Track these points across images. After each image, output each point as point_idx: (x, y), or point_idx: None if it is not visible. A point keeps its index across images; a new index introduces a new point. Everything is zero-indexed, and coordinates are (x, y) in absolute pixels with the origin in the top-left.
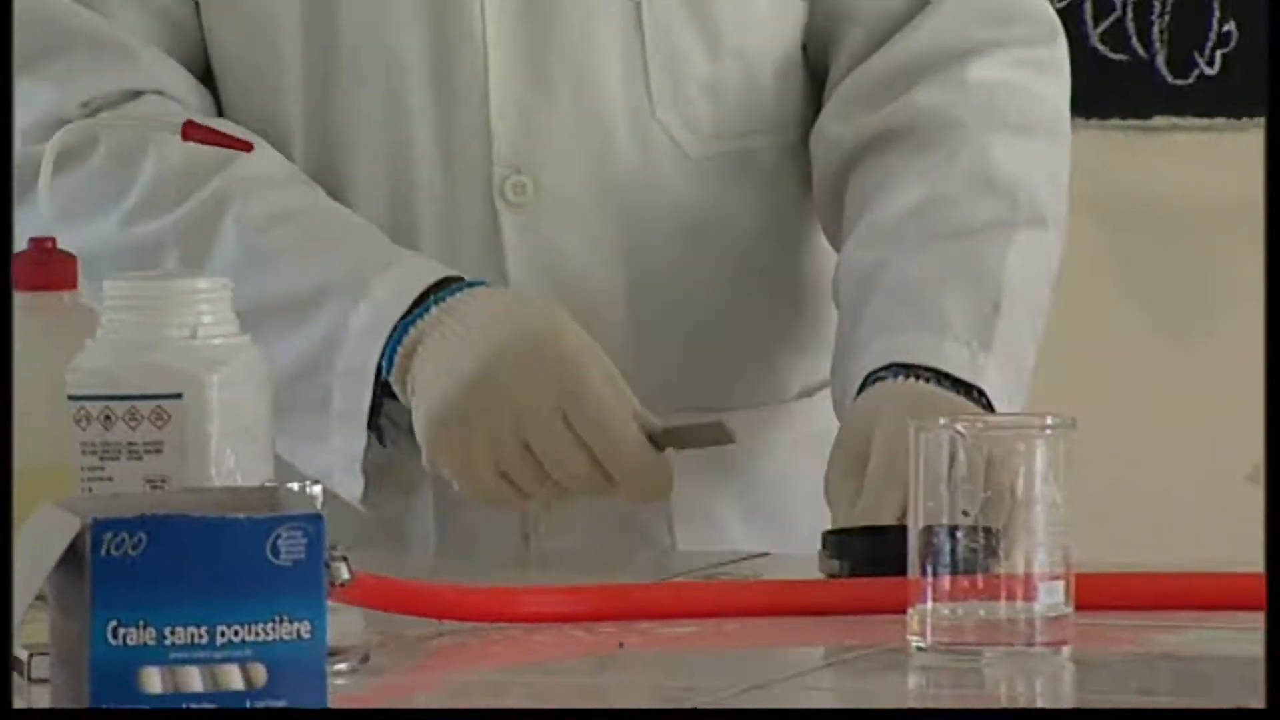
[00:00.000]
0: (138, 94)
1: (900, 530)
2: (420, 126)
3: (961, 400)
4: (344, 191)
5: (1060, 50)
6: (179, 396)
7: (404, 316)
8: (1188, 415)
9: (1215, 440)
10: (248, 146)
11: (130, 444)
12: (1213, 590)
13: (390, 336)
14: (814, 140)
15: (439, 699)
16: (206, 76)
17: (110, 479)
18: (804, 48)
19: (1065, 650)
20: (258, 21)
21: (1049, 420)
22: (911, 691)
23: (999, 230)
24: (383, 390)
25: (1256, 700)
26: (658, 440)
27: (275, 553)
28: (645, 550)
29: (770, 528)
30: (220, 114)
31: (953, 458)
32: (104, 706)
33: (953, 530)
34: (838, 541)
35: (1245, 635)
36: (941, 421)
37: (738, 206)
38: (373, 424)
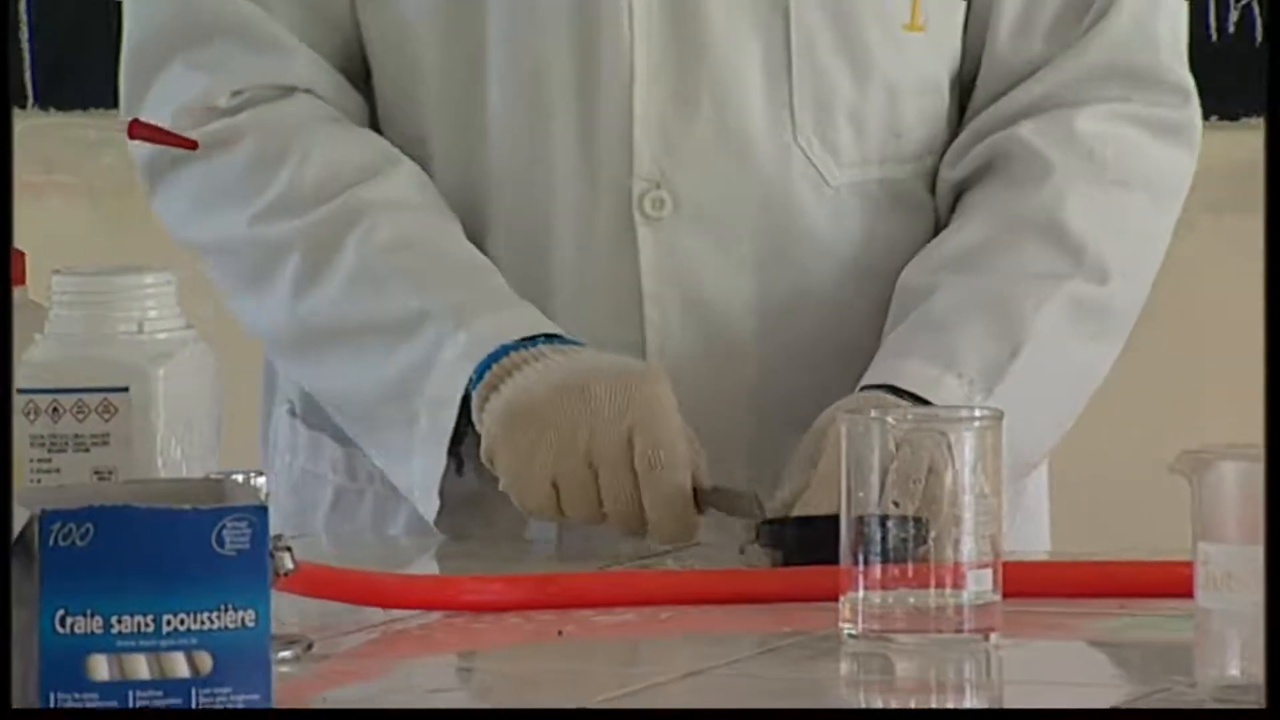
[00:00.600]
0: (290, 90)
1: (832, 520)
2: (562, 135)
3: None
4: (480, 200)
5: (1191, 116)
6: (125, 390)
7: (499, 349)
8: (1113, 406)
9: (1142, 431)
10: (192, 145)
11: (77, 436)
12: (1137, 578)
13: (481, 364)
14: (938, 180)
15: (383, 685)
16: (367, 78)
17: (58, 471)
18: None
19: (993, 637)
20: (402, 26)
21: (977, 412)
22: (844, 678)
23: (1049, 281)
24: (466, 419)
25: (1179, 683)
26: (701, 498)
27: (220, 543)
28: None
29: None
30: (373, 117)
31: (884, 449)
32: (53, 693)
33: (883, 520)
34: (772, 531)
35: (1169, 622)
36: (873, 414)
37: (876, 232)
38: (455, 451)
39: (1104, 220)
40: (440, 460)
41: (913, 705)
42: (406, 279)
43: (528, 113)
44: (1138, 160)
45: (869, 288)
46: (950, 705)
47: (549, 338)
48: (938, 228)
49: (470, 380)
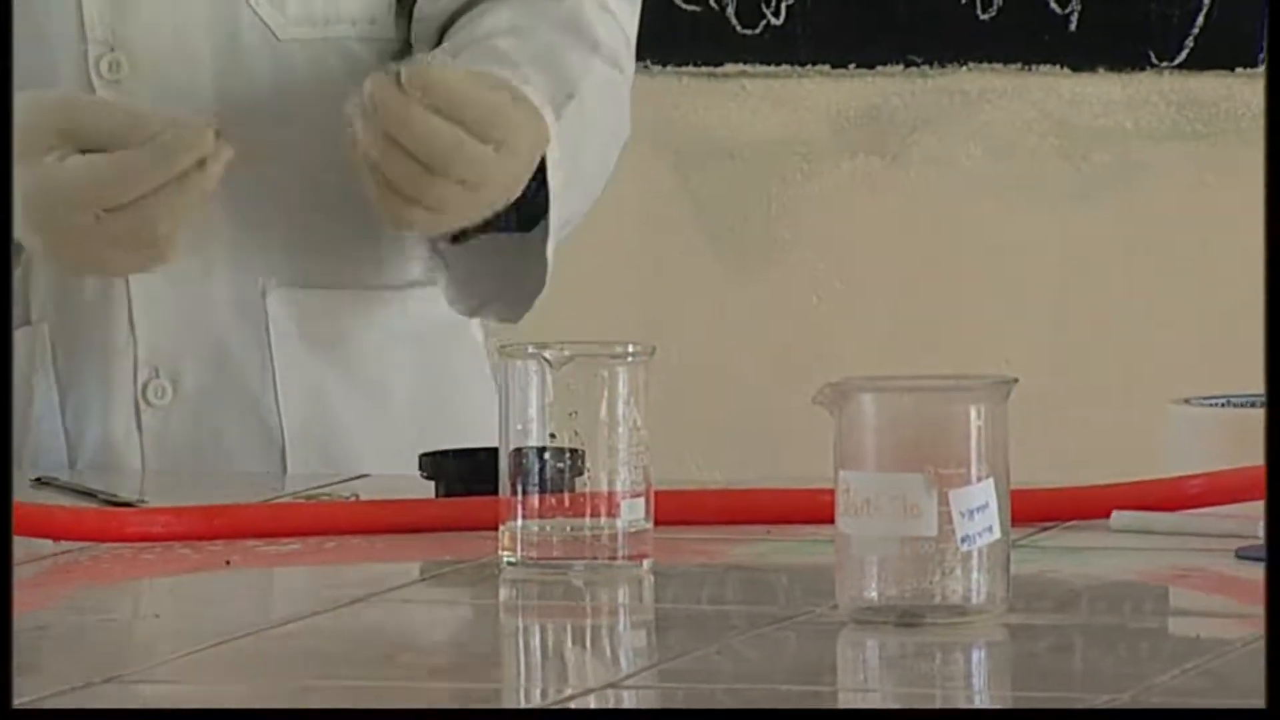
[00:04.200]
0: None
1: (492, 452)
2: (14, 8)
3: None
4: None
5: None
6: None
7: None
8: (755, 340)
9: (782, 364)
10: None
11: None
12: (779, 506)
13: None
14: (413, 25)
15: (55, 613)
16: None
17: None
18: None
19: (646, 563)
20: None
21: (630, 348)
22: (503, 603)
23: (582, 53)
24: None
25: (820, 605)
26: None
27: None
28: (255, 439)
29: (370, 399)
30: None
31: (540, 384)
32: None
33: (541, 452)
34: (433, 462)
35: (807, 547)
36: (529, 350)
37: (329, 93)
38: None
39: (607, 26)
40: None
41: (569, 628)
42: None
43: None
44: None
45: (330, 146)
46: (605, 626)
47: None
48: None
49: None
